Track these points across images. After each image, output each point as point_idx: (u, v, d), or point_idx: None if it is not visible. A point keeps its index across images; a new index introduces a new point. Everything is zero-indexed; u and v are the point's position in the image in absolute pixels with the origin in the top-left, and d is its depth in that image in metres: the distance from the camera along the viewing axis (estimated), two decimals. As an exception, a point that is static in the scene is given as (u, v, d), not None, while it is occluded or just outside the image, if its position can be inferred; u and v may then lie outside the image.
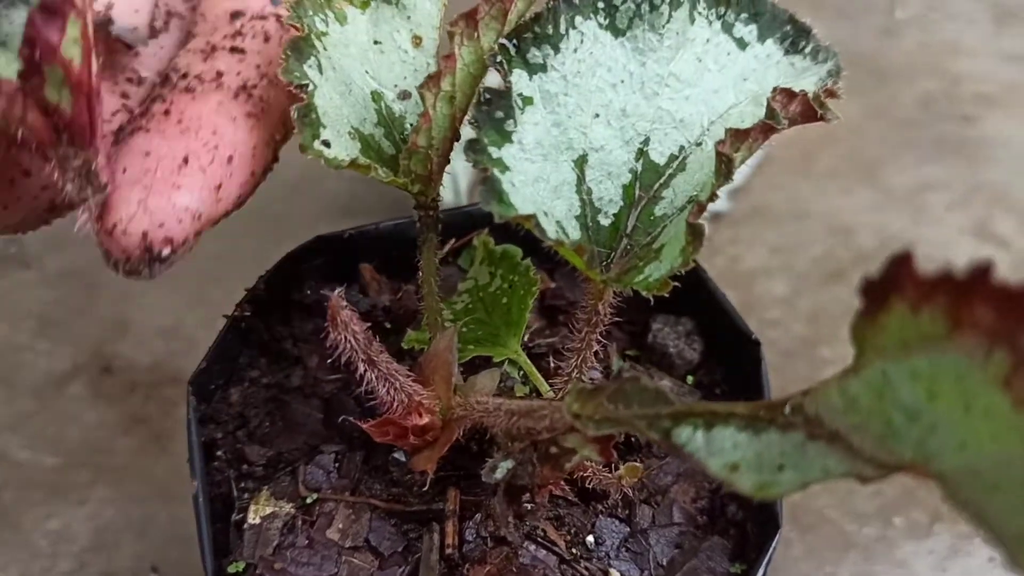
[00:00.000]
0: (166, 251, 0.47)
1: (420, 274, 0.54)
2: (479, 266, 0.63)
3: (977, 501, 0.29)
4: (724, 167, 0.46)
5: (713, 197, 0.46)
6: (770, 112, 0.47)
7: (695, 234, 0.44)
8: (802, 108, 0.49)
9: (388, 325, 0.63)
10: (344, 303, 0.48)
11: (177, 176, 0.46)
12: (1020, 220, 1.01)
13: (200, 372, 0.57)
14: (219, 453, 0.58)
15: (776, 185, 1.05)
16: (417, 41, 0.55)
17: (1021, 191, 1.04)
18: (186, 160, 0.47)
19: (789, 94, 0.48)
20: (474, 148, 0.46)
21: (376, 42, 0.54)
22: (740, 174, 1.03)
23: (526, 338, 0.62)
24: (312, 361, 0.61)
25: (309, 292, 0.63)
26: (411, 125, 0.54)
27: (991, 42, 1.18)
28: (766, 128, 0.47)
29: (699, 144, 0.52)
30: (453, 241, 0.66)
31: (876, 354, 0.34)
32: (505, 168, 0.47)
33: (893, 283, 0.31)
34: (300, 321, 0.63)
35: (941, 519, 0.82)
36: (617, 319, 0.62)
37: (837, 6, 1.21)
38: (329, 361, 0.59)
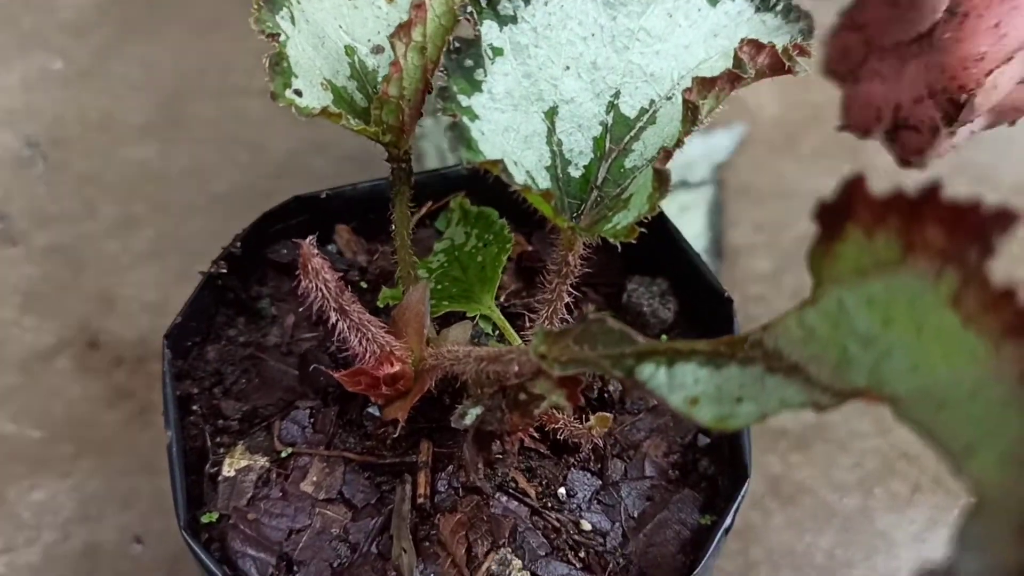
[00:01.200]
0: None
1: (392, 227, 0.54)
2: (455, 227, 0.63)
3: (927, 420, 0.30)
4: (690, 114, 0.46)
5: (680, 143, 0.47)
6: (737, 62, 0.48)
7: (661, 180, 0.45)
8: (770, 60, 0.49)
9: (364, 285, 0.63)
10: (316, 251, 0.48)
11: None
12: (1005, 201, 1.01)
13: (175, 327, 0.58)
14: (195, 408, 0.58)
15: (761, 165, 1.05)
16: None
17: (1005, 173, 1.04)
18: None
19: (757, 45, 0.48)
20: (443, 96, 0.46)
21: None
22: (723, 150, 1.04)
23: (502, 299, 0.62)
24: (289, 320, 0.62)
25: (285, 252, 0.63)
26: (384, 79, 0.54)
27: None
28: (732, 77, 0.47)
29: (669, 98, 0.53)
30: (430, 204, 0.67)
31: (833, 283, 0.34)
32: (474, 116, 0.47)
33: (847, 206, 0.32)
34: (277, 280, 0.63)
35: (921, 490, 0.82)
36: (593, 281, 0.62)
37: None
38: (306, 319, 0.59)
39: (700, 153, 1.03)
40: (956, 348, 0.29)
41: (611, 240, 0.46)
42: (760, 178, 1.04)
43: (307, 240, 0.47)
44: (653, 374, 0.38)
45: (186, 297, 0.91)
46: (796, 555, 0.79)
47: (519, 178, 0.46)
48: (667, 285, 0.64)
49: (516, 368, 0.44)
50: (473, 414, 0.47)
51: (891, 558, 0.79)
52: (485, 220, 0.61)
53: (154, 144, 1.04)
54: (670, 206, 0.98)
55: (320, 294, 0.48)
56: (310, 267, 0.47)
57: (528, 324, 0.57)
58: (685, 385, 0.37)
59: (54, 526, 0.80)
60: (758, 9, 0.55)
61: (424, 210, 0.66)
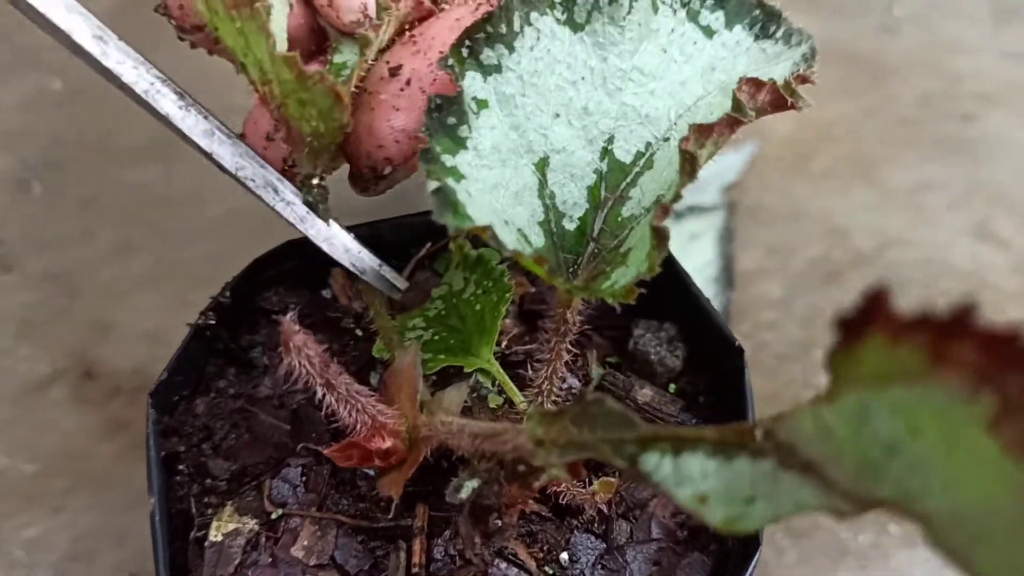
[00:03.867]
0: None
1: (364, 296, 0.52)
2: (454, 271, 0.61)
3: (962, 549, 0.28)
4: (688, 165, 0.44)
5: (678, 197, 0.44)
6: (736, 104, 0.45)
7: (659, 238, 0.42)
8: (771, 97, 0.47)
9: (360, 333, 0.61)
10: (297, 327, 0.45)
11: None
12: (1021, 221, 0.99)
13: (161, 384, 0.55)
14: (181, 468, 0.56)
15: (772, 185, 1.03)
16: None
17: (1022, 191, 1.01)
18: (408, 82, 0.50)
19: (756, 83, 0.46)
20: (426, 158, 0.44)
21: None
22: (733, 170, 1.02)
23: (503, 344, 0.60)
24: (282, 370, 0.59)
25: (277, 299, 0.61)
26: None
27: (991, 39, 1.15)
28: (732, 121, 0.45)
29: (667, 139, 0.50)
30: (429, 245, 0.64)
31: (853, 384, 0.32)
32: (460, 176, 0.45)
33: (869, 320, 0.30)
34: (269, 328, 0.61)
35: (937, 528, 0.80)
36: (598, 323, 0.60)
37: (834, 2, 1.19)
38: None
39: (710, 174, 1.00)
40: (994, 474, 0.27)
41: (610, 301, 0.44)
42: (771, 198, 1.02)
43: (288, 316, 0.45)
44: (658, 465, 0.36)
45: (183, 325, 0.90)
46: (809, 597, 0.77)
47: (509, 242, 0.43)
48: (675, 330, 0.62)
49: (511, 447, 0.42)
50: (469, 487, 0.45)
51: (907, 598, 0.77)
52: (484, 265, 0.59)
53: (153, 166, 1.02)
54: (680, 235, 0.96)
55: (305, 370, 0.46)
56: (292, 344, 0.45)
57: (531, 374, 0.55)
58: (693, 479, 0.35)
59: (47, 564, 0.78)
60: (757, 37, 0.52)
61: (423, 251, 0.64)
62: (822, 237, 0.99)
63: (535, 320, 0.62)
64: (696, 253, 0.93)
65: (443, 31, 0.50)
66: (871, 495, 0.31)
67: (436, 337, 0.57)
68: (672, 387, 0.61)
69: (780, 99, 0.46)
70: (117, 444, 0.84)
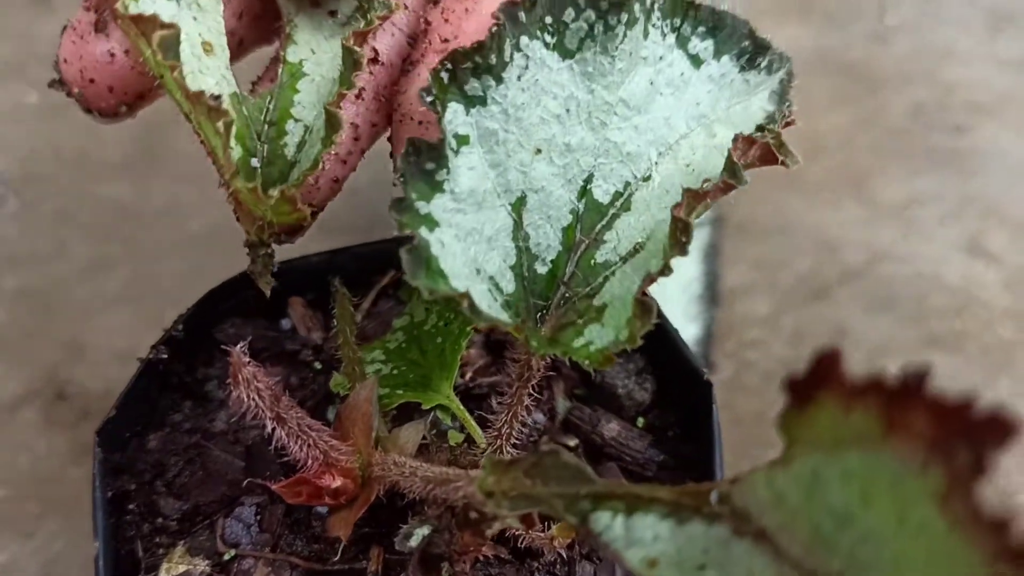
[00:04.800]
0: None
1: (335, 322, 0.50)
2: (416, 301, 0.59)
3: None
4: (681, 235, 0.42)
5: (666, 270, 0.43)
6: (730, 168, 0.44)
7: (643, 310, 0.41)
8: (762, 152, 0.46)
9: (318, 365, 0.59)
10: (247, 359, 0.44)
11: None
12: (1013, 235, 0.97)
13: (108, 421, 0.54)
14: (131, 506, 0.54)
15: (760, 198, 1.01)
16: (208, 48, 0.50)
17: (1014, 205, 0.99)
18: None
19: (748, 141, 0.45)
20: (399, 208, 0.42)
21: None
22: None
23: (467, 376, 0.58)
24: (235, 408, 0.58)
25: (234, 331, 0.59)
26: None
27: (985, 48, 1.13)
28: (726, 187, 0.44)
29: (646, 179, 0.49)
30: (392, 273, 0.62)
31: (806, 447, 0.30)
32: (434, 224, 0.43)
33: (820, 383, 0.28)
34: (224, 361, 0.59)
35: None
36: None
37: (826, 11, 1.17)
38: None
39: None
40: (942, 552, 0.26)
41: (583, 364, 0.43)
42: (760, 212, 1.00)
43: (237, 347, 0.43)
44: (609, 525, 0.35)
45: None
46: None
47: (483, 297, 0.42)
48: (644, 362, 0.60)
49: (462, 495, 0.40)
50: (419, 535, 0.44)
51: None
52: (447, 296, 0.57)
53: (130, 181, 1.01)
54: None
55: (254, 403, 0.45)
56: (241, 376, 0.43)
57: (495, 409, 0.53)
58: (643, 541, 0.34)
59: (16, 591, 0.77)
60: (743, 69, 0.51)
61: (387, 279, 0.62)
62: (811, 252, 0.97)
63: (502, 350, 0.61)
64: (679, 271, 0.91)
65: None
66: (822, 568, 0.29)
67: (395, 371, 0.55)
68: (640, 421, 0.59)
69: (770, 155, 0.46)
70: (87, 468, 0.82)
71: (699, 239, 0.95)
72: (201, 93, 0.43)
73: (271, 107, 0.51)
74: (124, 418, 0.55)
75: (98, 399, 0.87)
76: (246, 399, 0.45)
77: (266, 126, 0.51)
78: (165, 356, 0.57)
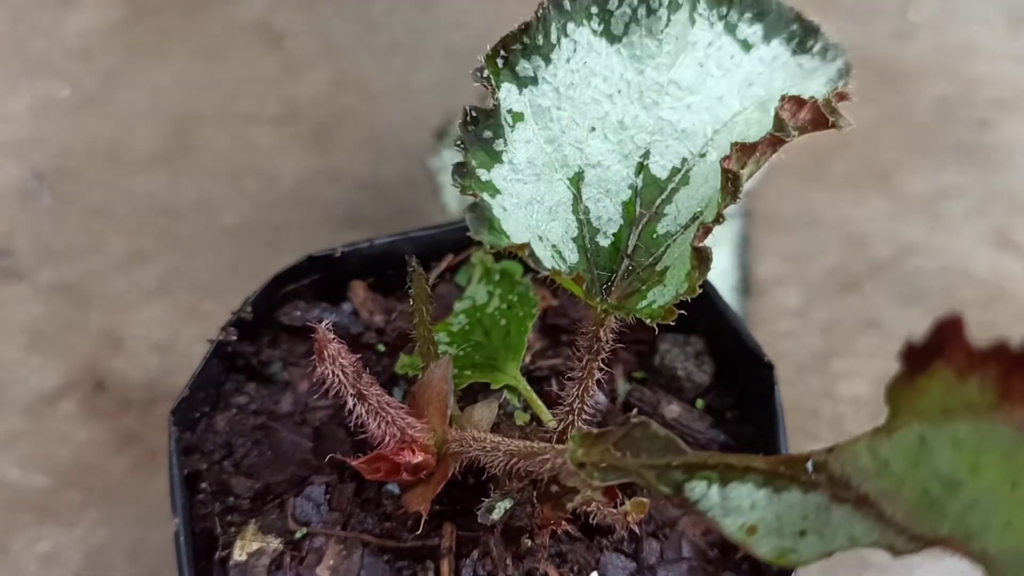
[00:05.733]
0: None
1: (411, 302, 0.51)
2: (477, 285, 0.60)
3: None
4: (731, 184, 0.43)
5: (720, 218, 0.43)
6: (778, 123, 0.44)
7: (701, 259, 0.41)
8: (812, 115, 0.46)
9: (382, 348, 0.60)
10: (332, 335, 0.45)
11: None
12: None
13: (183, 400, 0.54)
14: (203, 485, 0.55)
15: (788, 193, 1.02)
16: None
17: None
18: None
19: (798, 102, 0.45)
20: (461, 172, 0.43)
21: None
22: (752, 177, 1.01)
23: (527, 360, 0.59)
24: (302, 386, 0.58)
25: (299, 313, 0.60)
26: None
27: (1007, 44, 1.14)
28: (774, 140, 0.44)
29: (703, 155, 0.49)
30: (451, 257, 0.63)
31: (912, 416, 0.31)
32: (496, 191, 0.44)
33: (939, 349, 0.29)
34: (290, 343, 0.60)
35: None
36: (624, 338, 0.59)
37: (848, 8, 1.18)
38: (320, 384, 0.56)
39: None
40: None
41: (647, 321, 0.43)
42: (788, 206, 1.01)
43: (323, 324, 0.44)
44: (705, 494, 0.35)
45: (194, 336, 0.89)
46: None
47: (546, 260, 0.42)
48: (702, 345, 0.61)
49: (550, 467, 0.41)
50: (501, 508, 0.44)
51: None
52: (508, 279, 0.58)
53: (162, 175, 1.01)
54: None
55: (338, 380, 0.45)
56: (326, 353, 0.44)
57: (556, 390, 0.54)
58: (741, 509, 0.35)
59: (61, 580, 0.77)
60: (794, 52, 0.51)
61: (444, 264, 0.63)
62: (839, 245, 0.98)
63: (558, 334, 0.61)
64: (716, 260, 0.92)
65: None
66: (929, 532, 0.30)
67: (461, 352, 0.56)
68: (699, 402, 0.60)
69: (821, 117, 0.45)
70: (128, 457, 0.83)
71: (731, 230, 0.96)
72: None
73: None
74: (195, 399, 0.56)
75: (138, 389, 0.87)
76: (330, 375, 0.45)
77: None
78: (234, 337, 0.57)
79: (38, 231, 0.97)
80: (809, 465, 0.35)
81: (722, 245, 0.94)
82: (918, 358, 0.30)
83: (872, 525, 0.32)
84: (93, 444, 0.84)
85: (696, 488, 0.35)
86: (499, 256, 0.59)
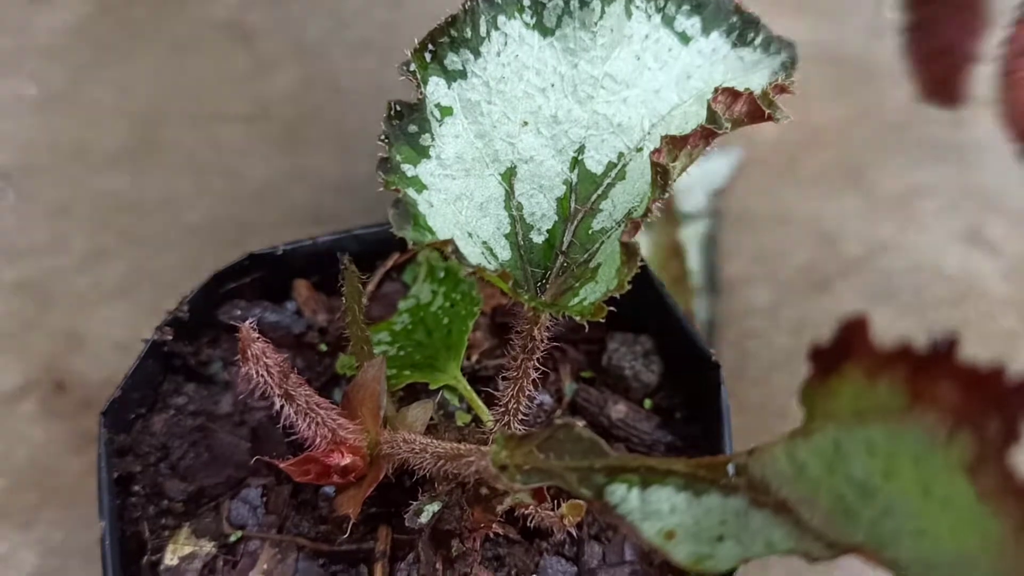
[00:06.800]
0: None
1: (343, 301, 0.50)
2: (422, 283, 0.59)
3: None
4: (660, 179, 0.42)
5: (649, 212, 0.42)
6: (711, 115, 0.43)
7: (629, 254, 0.41)
8: (748, 108, 0.45)
9: (324, 347, 0.59)
10: (256, 335, 0.44)
11: None
12: (1011, 225, 0.97)
13: (115, 401, 0.53)
14: (136, 488, 0.54)
15: (759, 190, 1.01)
16: None
17: (1012, 196, 0.99)
18: None
19: (733, 94, 0.44)
20: (385, 167, 0.42)
21: None
22: (720, 175, 1.00)
23: (473, 359, 0.58)
24: (243, 386, 0.57)
25: (239, 312, 0.59)
26: None
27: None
28: (707, 133, 0.43)
29: (639, 150, 0.48)
30: (397, 256, 0.62)
31: (827, 419, 0.30)
32: (422, 187, 0.43)
33: (847, 351, 0.28)
34: (230, 343, 0.59)
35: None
36: (572, 337, 0.58)
37: (822, 6, 1.17)
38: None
39: (696, 180, 0.99)
40: (968, 522, 0.25)
41: (577, 319, 0.42)
42: (758, 204, 1.00)
43: (246, 323, 0.43)
44: (624, 497, 0.34)
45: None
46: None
47: (472, 256, 0.41)
48: (651, 344, 0.60)
49: (475, 469, 0.40)
50: (429, 511, 0.43)
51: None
52: (452, 277, 0.57)
53: (127, 172, 1.00)
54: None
55: (263, 380, 0.44)
56: (250, 352, 0.43)
57: (497, 391, 0.53)
58: (660, 514, 0.34)
59: (15, 582, 0.76)
60: (735, 45, 0.50)
61: (391, 262, 0.62)
62: (810, 243, 0.97)
63: (507, 333, 0.60)
64: (687, 261, 0.91)
65: None
66: (844, 539, 0.29)
67: (402, 352, 0.55)
68: (647, 402, 0.59)
69: (757, 110, 0.44)
70: (87, 458, 0.82)
71: (698, 232, 0.95)
72: None
73: None
74: (129, 400, 0.55)
75: (97, 389, 0.86)
76: (255, 375, 0.44)
77: None
78: (170, 337, 0.56)
79: (0, 229, 0.96)
80: (731, 468, 0.35)
81: (690, 245, 0.93)
82: (827, 359, 0.29)
83: (790, 531, 0.31)
84: (51, 444, 0.83)
85: (616, 491, 0.34)
86: (445, 255, 0.58)
